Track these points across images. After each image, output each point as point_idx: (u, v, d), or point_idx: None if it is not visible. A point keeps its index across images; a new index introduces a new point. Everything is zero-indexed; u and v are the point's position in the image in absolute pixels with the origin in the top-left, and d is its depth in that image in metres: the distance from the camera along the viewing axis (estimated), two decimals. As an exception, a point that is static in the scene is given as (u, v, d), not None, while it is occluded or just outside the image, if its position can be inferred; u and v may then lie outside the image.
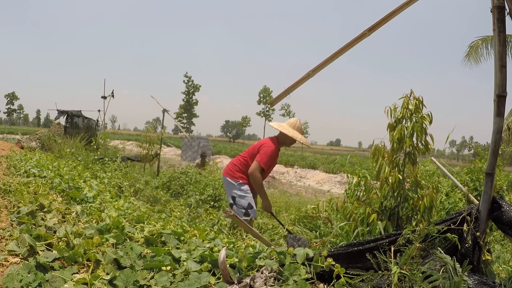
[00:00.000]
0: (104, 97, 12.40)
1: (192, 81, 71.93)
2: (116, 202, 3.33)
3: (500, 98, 2.02)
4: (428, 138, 3.14)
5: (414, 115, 3.11)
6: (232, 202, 4.02)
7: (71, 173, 5.04)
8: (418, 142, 3.16)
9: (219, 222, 4.10)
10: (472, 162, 5.76)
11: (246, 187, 4.01)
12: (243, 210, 3.93)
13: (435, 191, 3.21)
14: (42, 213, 2.47)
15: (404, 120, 3.15)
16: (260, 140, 4.19)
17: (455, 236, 1.95)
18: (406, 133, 3.10)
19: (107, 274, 1.62)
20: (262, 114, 76.23)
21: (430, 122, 3.10)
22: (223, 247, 2.02)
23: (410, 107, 3.10)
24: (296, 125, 4.15)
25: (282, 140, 4.14)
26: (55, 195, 3.18)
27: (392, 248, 1.90)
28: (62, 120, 12.57)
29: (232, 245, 2.24)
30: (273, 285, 1.65)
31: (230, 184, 4.08)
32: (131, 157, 11.43)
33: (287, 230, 4.02)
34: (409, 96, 3.16)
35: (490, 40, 10.53)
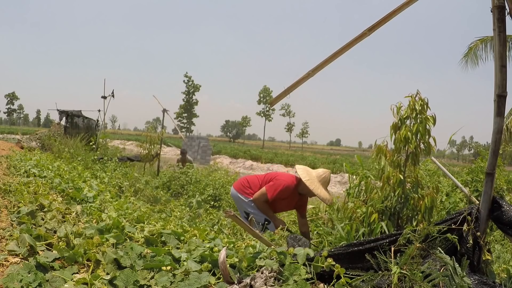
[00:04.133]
0: (104, 97, 12.37)
1: (192, 81, 71.92)
2: (116, 202, 3.33)
3: (500, 98, 2.02)
4: (431, 140, 3.14)
5: (419, 115, 3.10)
6: (245, 216, 3.95)
7: (71, 173, 5.04)
8: (421, 143, 3.15)
9: (219, 222, 4.09)
10: (473, 162, 5.76)
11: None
12: (261, 226, 3.79)
13: (435, 191, 3.21)
14: (42, 213, 2.47)
15: (409, 120, 3.15)
16: (280, 172, 4.05)
17: (455, 236, 1.95)
18: (411, 134, 3.09)
19: (107, 274, 1.62)
20: (262, 114, 76.20)
21: (434, 124, 3.09)
22: (223, 247, 2.02)
23: (416, 107, 3.09)
24: (322, 177, 3.85)
25: (302, 186, 3.86)
26: (55, 195, 3.18)
27: (392, 248, 1.90)
28: (62, 120, 12.56)
29: (232, 245, 2.24)
30: (273, 285, 1.65)
31: (240, 199, 4.01)
32: (131, 157, 11.43)
33: (287, 229, 4.01)
34: (415, 96, 3.15)
35: (489, 40, 10.50)
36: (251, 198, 3.93)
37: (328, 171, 3.95)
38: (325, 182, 3.87)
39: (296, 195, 3.95)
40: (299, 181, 3.90)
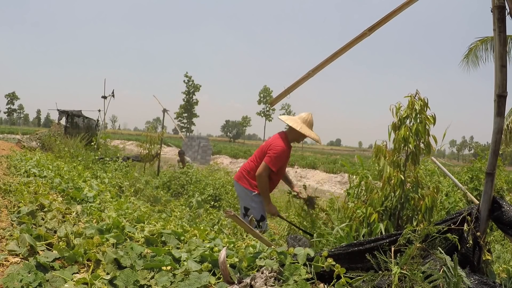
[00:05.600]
0: (104, 97, 12.38)
1: (193, 81, 71.97)
2: (116, 202, 3.33)
3: (501, 98, 2.02)
4: (431, 139, 3.14)
5: (418, 115, 3.10)
6: (244, 212, 3.94)
7: (71, 173, 5.04)
8: (421, 143, 3.15)
9: (219, 222, 4.09)
10: (472, 161, 5.77)
11: (261, 198, 3.92)
12: (255, 223, 3.79)
13: (435, 191, 3.21)
14: (42, 213, 2.47)
15: (408, 120, 3.15)
16: (269, 139, 3.99)
17: (455, 236, 1.95)
18: (411, 134, 3.09)
19: (108, 274, 1.62)
20: (262, 114, 76.27)
21: (434, 124, 3.09)
22: (223, 247, 2.02)
23: (416, 107, 3.09)
24: (307, 120, 3.91)
25: (292, 136, 3.93)
26: (55, 195, 3.18)
27: (393, 248, 1.90)
28: (63, 120, 12.57)
29: (232, 245, 2.24)
30: (274, 285, 1.65)
31: (244, 192, 3.96)
32: (131, 157, 11.44)
33: (279, 216, 3.98)
34: (414, 95, 3.15)
35: (489, 40, 10.50)
36: (256, 192, 3.88)
37: (309, 113, 4.01)
38: (311, 125, 3.96)
39: (289, 152, 4.03)
40: (287, 134, 3.96)
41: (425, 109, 3.12)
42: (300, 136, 3.93)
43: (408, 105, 3.15)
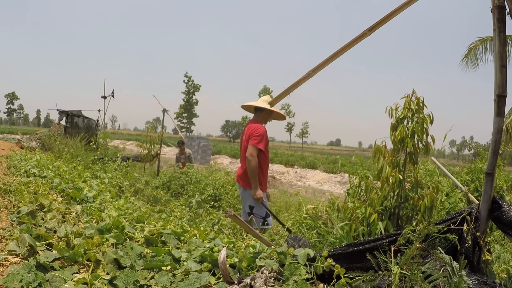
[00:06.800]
0: (104, 97, 12.37)
1: (192, 81, 71.91)
2: (116, 202, 3.33)
3: (500, 98, 2.02)
4: (429, 139, 3.14)
5: (415, 115, 3.10)
6: (249, 211, 3.97)
7: (71, 173, 5.04)
8: (419, 143, 3.16)
9: (219, 222, 4.09)
10: (472, 162, 5.76)
11: (263, 194, 3.96)
12: (261, 220, 3.87)
13: (435, 191, 3.21)
14: (42, 213, 2.47)
15: (406, 120, 3.15)
16: (244, 131, 4.11)
17: (455, 236, 1.95)
18: (408, 133, 3.10)
19: (107, 274, 1.62)
20: (262, 114, 76.07)
21: (431, 123, 3.09)
22: (223, 247, 2.02)
23: (412, 107, 3.09)
24: (268, 100, 4.08)
25: (261, 118, 4.09)
26: (55, 195, 3.18)
27: (392, 248, 1.90)
28: (62, 120, 12.56)
29: (232, 245, 2.24)
30: (273, 285, 1.65)
31: (246, 192, 4.01)
32: (131, 157, 11.43)
33: (287, 229, 4.00)
34: (410, 96, 3.15)
35: (489, 40, 10.48)
36: None
37: (267, 95, 4.22)
38: (271, 104, 4.13)
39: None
40: (256, 119, 4.09)
41: (422, 108, 3.12)
42: (267, 116, 4.11)
43: (404, 105, 3.15)
